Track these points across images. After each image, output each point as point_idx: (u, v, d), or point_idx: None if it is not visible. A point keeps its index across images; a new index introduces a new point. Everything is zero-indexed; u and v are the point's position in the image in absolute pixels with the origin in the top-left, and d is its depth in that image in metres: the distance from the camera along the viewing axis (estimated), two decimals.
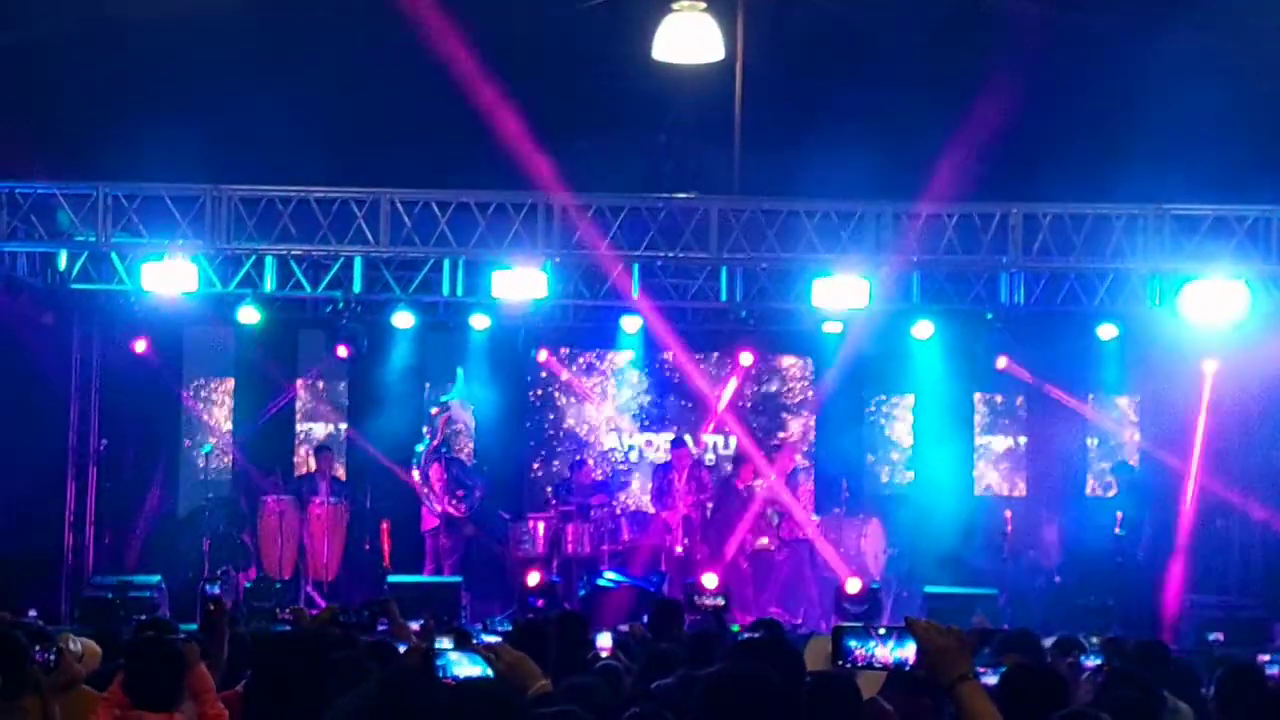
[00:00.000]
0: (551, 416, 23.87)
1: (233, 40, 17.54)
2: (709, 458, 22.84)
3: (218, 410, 23.37)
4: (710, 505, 21.71)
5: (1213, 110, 17.21)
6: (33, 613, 17.24)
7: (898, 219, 18.92)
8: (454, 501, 21.56)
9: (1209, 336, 19.80)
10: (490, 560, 21.92)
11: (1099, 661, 10.57)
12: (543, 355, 23.26)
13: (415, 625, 11.22)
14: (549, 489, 22.64)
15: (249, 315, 20.52)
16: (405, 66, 17.79)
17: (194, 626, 15.39)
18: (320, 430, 23.60)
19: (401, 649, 9.21)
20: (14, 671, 8.19)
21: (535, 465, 23.76)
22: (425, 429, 21.90)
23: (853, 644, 5.75)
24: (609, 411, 23.77)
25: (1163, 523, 21.40)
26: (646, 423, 23.79)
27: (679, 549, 21.32)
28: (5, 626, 9.69)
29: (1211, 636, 19.15)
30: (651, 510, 21.94)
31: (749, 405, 23.67)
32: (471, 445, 23.24)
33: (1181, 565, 20.92)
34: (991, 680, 7.24)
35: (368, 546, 21.89)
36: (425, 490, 21.60)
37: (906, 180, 18.57)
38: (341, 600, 18.26)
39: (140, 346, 21.74)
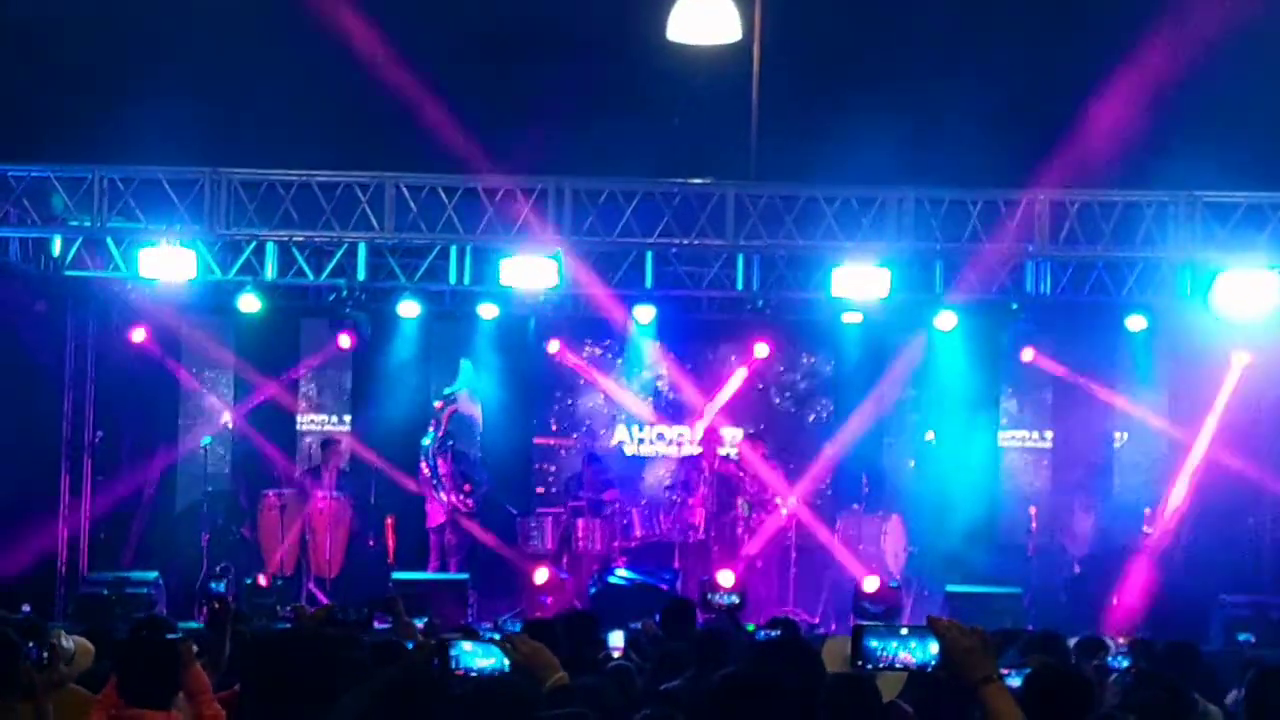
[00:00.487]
0: (562, 409, 23.84)
1: (233, 19, 17.55)
2: (732, 452, 22.73)
3: (217, 402, 23.36)
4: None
5: (1247, 94, 17.17)
6: (26, 608, 17.27)
7: (920, 205, 18.88)
8: (462, 496, 21.57)
9: (1240, 329, 19.74)
10: (497, 557, 21.89)
11: (1126, 663, 10.56)
12: (554, 346, 23.19)
13: (420, 624, 11.23)
14: (559, 483, 22.61)
15: (249, 304, 20.52)
16: (412, 48, 17.79)
17: (193, 624, 15.43)
18: (323, 422, 23.59)
19: (410, 648, 9.22)
20: (4, 670, 8.20)
21: (545, 459, 23.74)
22: (431, 422, 21.89)
23: (874, 644, 5.73)
24: (622, 403, 23.71)
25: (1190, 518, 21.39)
26: (661, 415, 23.75)
27: (698, 541, 21.31)
28: None
29: (1242, 637, 19.13)
30: (665, 505, 21.87)
31: (763, 397, 23.63)
32: (480, 439, 23.21)
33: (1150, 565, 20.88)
34: (1016, 682, 7.22)
35: (372, 543, 21.90)
36: (434, 484, 21.60)
37: (929, 165, 18.54)
38: (344, 598, 18.27)
39: (137, 336, 21.74)
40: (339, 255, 19.56)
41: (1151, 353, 21.92)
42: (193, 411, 23.36)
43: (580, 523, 21.38)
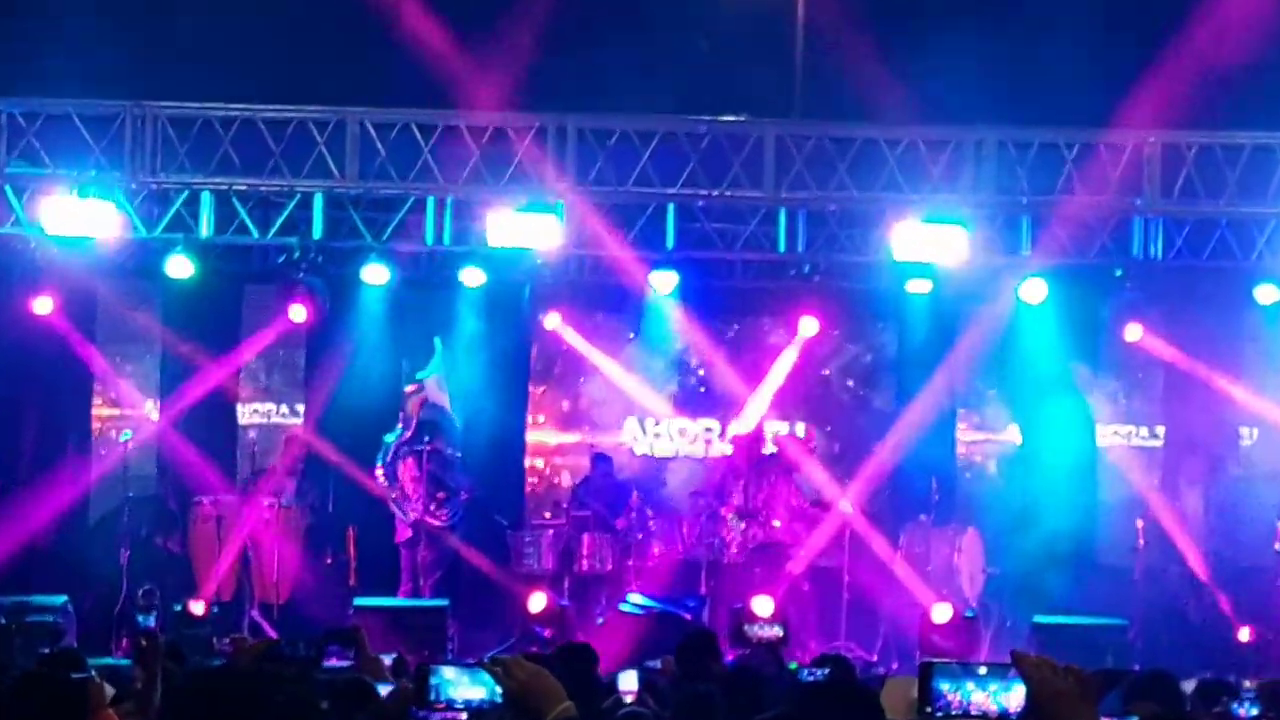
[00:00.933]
0: (563, 398, 23.85)
1: None
2: (771, 449, 22.70)
3: (139, 388, 23.36)
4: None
5: None
6: None
7: (1002, 148, 18.87)
8: (433, 507, 21.49)
9: None
10: (483, 579, 21.89)
11: (1255, 710, 10.53)
12: (553, 320, 23.16)
13: (388, 660, 11.23)
14: (560, 490, 22.63)
15: (180, 267, 20.49)
16: None
17: (108, 660, 15.42)
18: (270, 412, 23.62)
19: (383, 690, 9.21)
20: None
21: (541, 460, 23.76)
22: (400, 415, 21.84)
23: (944, 686, 5.71)
24: (636, 391, 23.71)
25: None
26: (683, 406, 23.75)
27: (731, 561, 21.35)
28: None
29: None
30: (689, 516, 21.87)
31: (808, 382, 23.65)
32: (458, 435, 23.18)
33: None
34: None
35: (329, 560, 21.92)
36: (393, 494, 21.50)
37: (1013, 99, 18.53)
38: (294, 629, 18.28)
39: (41, 306, 21.65)
40: (290, 208, 19.60)
41: None
42: (110, 400, 23.38)
43: (585, 537, 21.40)
